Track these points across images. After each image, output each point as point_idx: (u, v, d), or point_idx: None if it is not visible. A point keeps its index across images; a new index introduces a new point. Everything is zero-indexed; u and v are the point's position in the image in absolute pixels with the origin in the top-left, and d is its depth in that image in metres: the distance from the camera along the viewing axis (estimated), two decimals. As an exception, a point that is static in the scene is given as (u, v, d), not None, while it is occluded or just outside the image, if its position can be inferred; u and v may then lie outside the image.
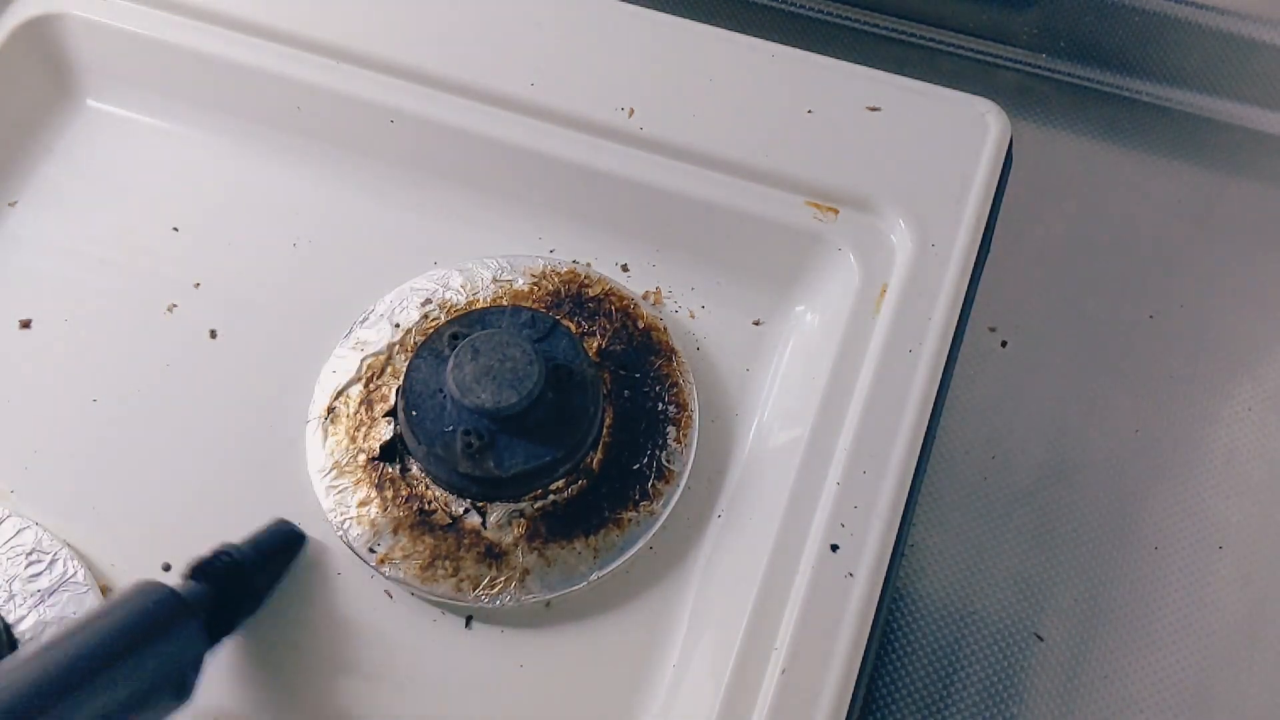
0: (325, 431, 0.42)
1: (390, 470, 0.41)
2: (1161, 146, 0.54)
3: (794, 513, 0.39)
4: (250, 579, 0.38)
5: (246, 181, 0.48)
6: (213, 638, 0.37)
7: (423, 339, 0.43)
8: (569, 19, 0.47)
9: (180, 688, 0.35)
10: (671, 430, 0.42)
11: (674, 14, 0.48)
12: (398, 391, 0.42)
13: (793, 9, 0.57)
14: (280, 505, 0.42)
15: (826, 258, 0.44)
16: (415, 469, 0.41)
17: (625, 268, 0.46)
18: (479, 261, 0.45)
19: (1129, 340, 0.49)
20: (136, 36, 0.48)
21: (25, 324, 0.45)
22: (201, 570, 0.37)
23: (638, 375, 0.43)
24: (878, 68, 0.46)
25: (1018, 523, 0.46)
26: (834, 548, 0.38)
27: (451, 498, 0.41)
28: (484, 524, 0.40)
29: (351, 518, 0.41)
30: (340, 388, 0.43)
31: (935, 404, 0.40)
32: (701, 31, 0.47)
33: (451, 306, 0.44)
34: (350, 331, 0.44)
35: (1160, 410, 0.48)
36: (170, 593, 0.35)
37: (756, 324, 0.45)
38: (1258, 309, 0.50)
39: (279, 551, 0.40)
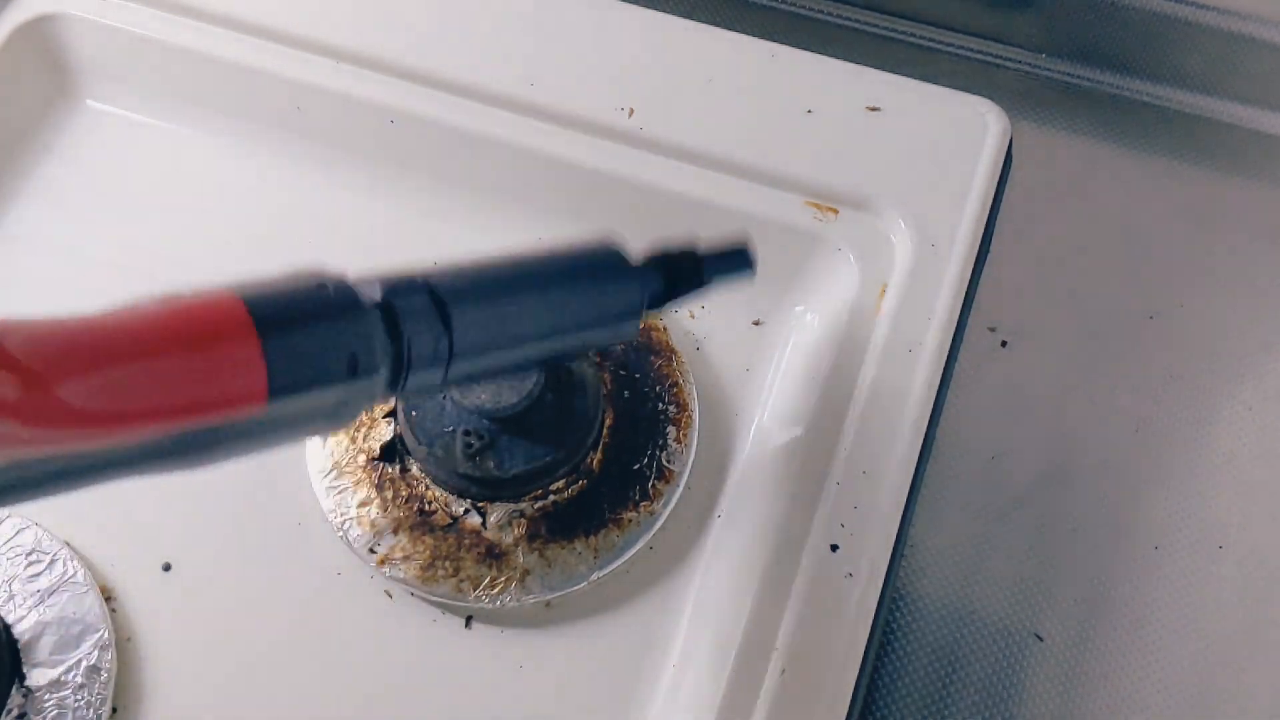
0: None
1: (390, 471, 0.41)
2: (1161, 146, 0.54)
3: (794, 513, 0.39)
4: (699, 282, 0.37)
5: (246, 181, 0.48)
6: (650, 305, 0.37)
7: (423, 339, 0.43)
8: (569, 19, 0.47)
9: (619, 328, 0.36)
10: (671, 430, 0.42)
11: (674, 14, 0.48)
12: (398, 392, 0.42)
13: (793, 9, 0.57)
14: (280, 506, 0.42)
15: (826, 258, 0.44)
16: (415, 469, 0.41)
17: (625, 268, 0.46)
18: (479, 262, 0.45)
19: (1129, 340, 0.49)
20: (136, 36, 0.48)
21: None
22: (660, 260, 0.37)
23: (638, 375, 0.43)
24: (878, 68, 0.46)
25: (1018, 523, 0.46)
26: (834, 548, 0.38)
27: (452, 498, 0.41)
28: (484, 524, 0.40)
29: (351, 518, 0.41)
30: (340, 388, 0.43)
31: (935, 404, 0.40)
32: (701, 31, 0.47)
33: (451, 307, 0.44)
34: (350, 332, 0.44)
35: (1160, 410, 0.48)
36: (622, 256, 0.36)
37: (756, 324, 0.45)
38: (1258, 309, 0.50)
39: (731, 267, 0.38)
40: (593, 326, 0.35)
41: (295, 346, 0.27)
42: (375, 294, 0.30)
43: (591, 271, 0.35)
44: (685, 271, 0.37)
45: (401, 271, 0.31)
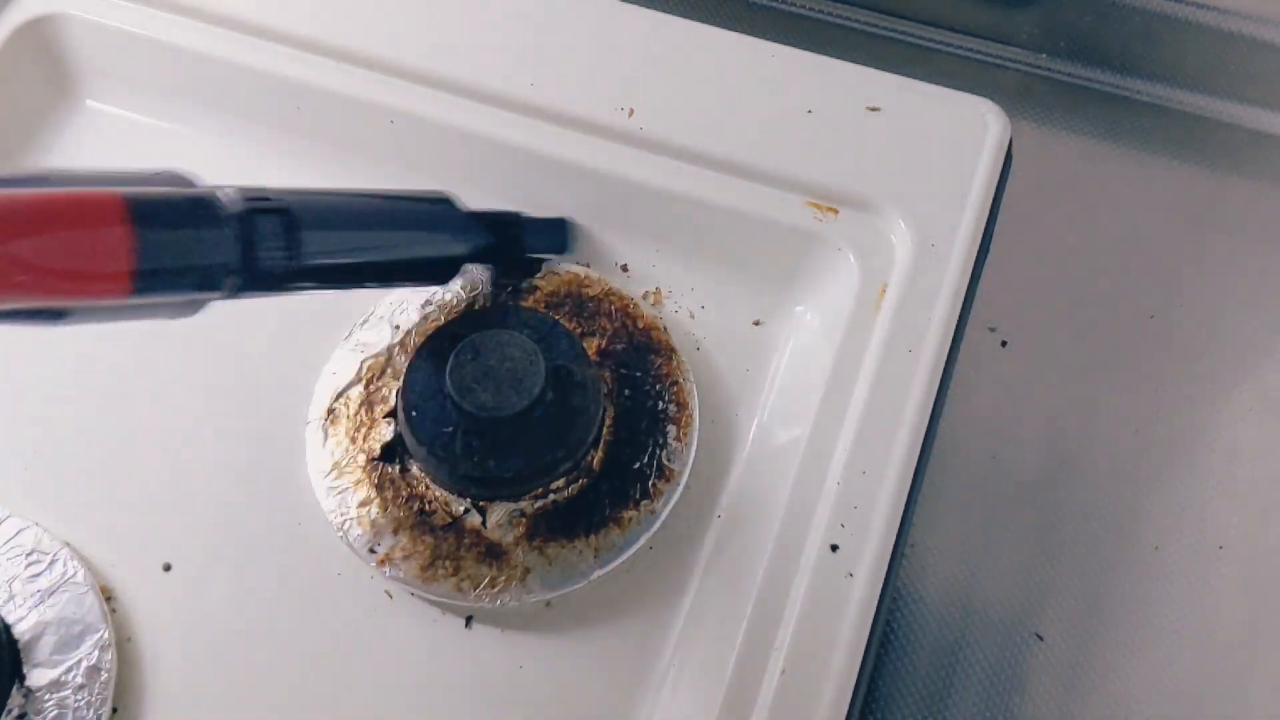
0: (325, 433, 0.42)
1: (390, 471, 0.41)
2: (1161, 146, 0.54)
3: (794, 513, 0.39)
4: (520, 245, 0.44)
5: (246, 182, 0.48)
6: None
7: (423, 340, 0.43)
8: (569, 19, 0.47)
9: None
10: (672, 429, 0.42)
11: (674, 14, 0.48)
12: (398, 392, 0.42)
13: (793, 9, 0.57)
14: (280, 506, 0.42)
15: (826, 258, 0.44)
16: (415, 469, 0.41)
17: (625, 268, 0.46)
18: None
19: (1129, 340, 0.49)
20: (136, 37, 0.48)
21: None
22: (486, 218, 0.43)
23: (638, 375, 0.43)
24: (878, 68, 0.46)
25: (1018, 523, 0.46)
26: (834, 548, 0.38)
27: (452, 498, 0.41)
28: (484, 524, 0.40)
29: (352, 518, 0.41)
30: (340, 389, 0.43)
31: (935, 404, 0.40)
32: (701, 31, 0.47)
33: (451, 307, 0.44)
34: (350, 333, 0.44)
35: (1160, 411, 0.48)
36: (458, 210, 0.42)
37: (756, 324, 0.45)
38: (1258, 309, 0.50)
39: (549, 238, 0.45)
40: (423, 249, 0.41)
41: (161, 245, 0.31)
42: (237, 205, 0.34)
43: (428, 210, 0.42)
44: (507, 230, 0.43)
45: (260, 189, 0.35)
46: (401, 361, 0.43)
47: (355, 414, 0.42)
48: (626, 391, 0.43)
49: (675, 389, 0.43)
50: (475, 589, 0.39)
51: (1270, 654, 0.43)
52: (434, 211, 0.42)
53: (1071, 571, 0.45)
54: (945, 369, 0.41)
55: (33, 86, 0.49)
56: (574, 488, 0.41)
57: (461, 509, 0.41)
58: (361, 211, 0.39)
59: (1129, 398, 0.48)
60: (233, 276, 0.34)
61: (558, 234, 0.45)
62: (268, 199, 0.35)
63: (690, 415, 0.42)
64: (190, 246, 0.32)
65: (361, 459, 0.42)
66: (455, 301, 0.45)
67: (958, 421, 0.47)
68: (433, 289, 0.45)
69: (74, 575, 0.40)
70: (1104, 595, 0.44)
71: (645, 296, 0.45)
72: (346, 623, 0.40)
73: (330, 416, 0.43)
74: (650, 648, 0.40)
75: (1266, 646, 0.43)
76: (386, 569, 0.40)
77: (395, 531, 0.40)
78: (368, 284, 0.42)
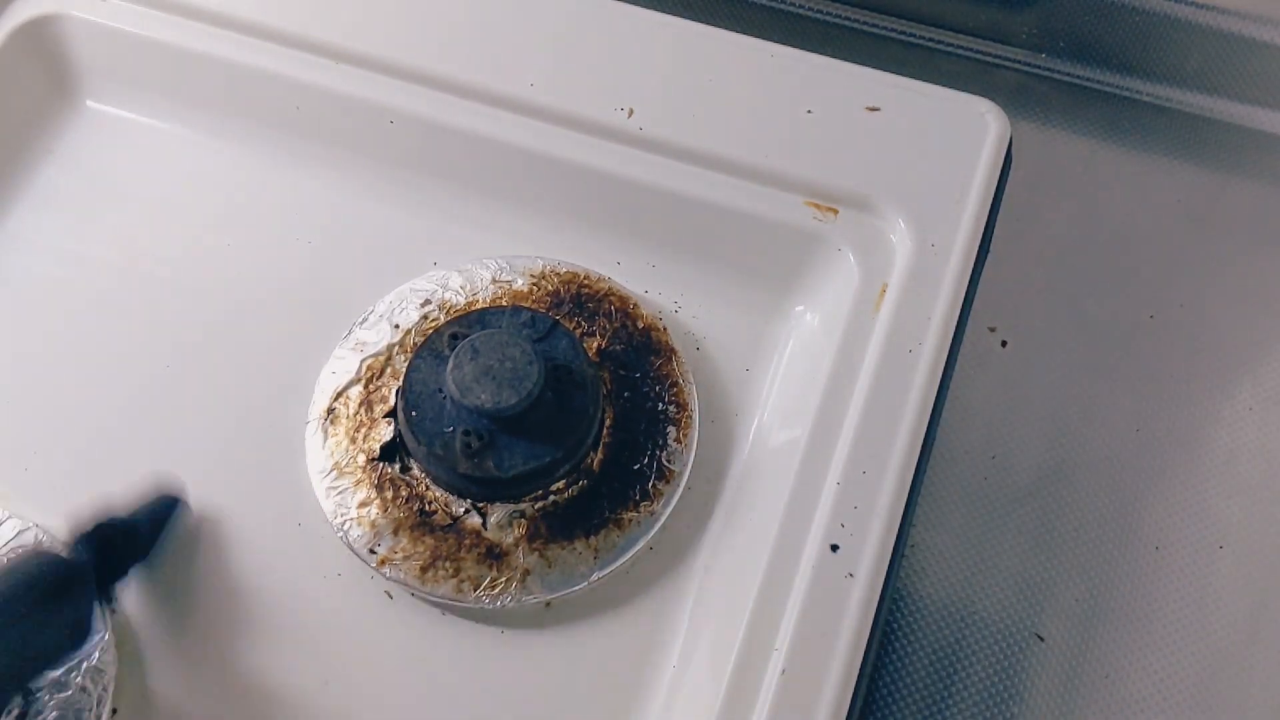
0: (325, 433, 0.42)
1: (390, 471, 0.41)
2: (1161, 146, 0.54)
3: (794, 513, 0.39)
4: (132, 536, 0.39)
5: (246, 182, 0.48)
6: (103, 586, 0.38)
7: (422, 340, 0.43)
8: (569, 19, 0.47)
9: (78, 635, 0.37)
10: (671, 430, 0.42)
11: (674, 14, 0.48)
12: (397, 392, 0.42)
13: (793, 9, 0.57)
14: (280, 506, 0.42)
15: (826, 258, 0.44)
16: (415, 469, 0.41)
17: (624, 268, 0.46)
18: (478, 262, 0.45)
19: (1129, 340, 0.49)
20: (136, 38, 0.48)
21: None
22: (85, 538, 0.38)
23: (638, 375, 0.43)
24: (878, 68, 0.46)
25: (1018, 523, 0.46)
26: (834, 548, 0.38)
27: (452, 498, 0.41)
28: (484, 525, 0.40)
29: (352, 519, 0.41)
30: (340, 389, 0.43)
31: (935, 404, 0.40)
32: (701, 31, 0.47)
33: (451, 307, 0.44)
34: (350, 332, 0.44)
35: (1160, 410, 0.48)
36: (55, 557, 0.37)
37: (757, 324, 0.45)
38: (1258, 309, 0.50)
39: (158, 516, 0.40)
40: (43, 644, 0.36)
41: None
42: None
43: (21, 588, 0.35)
44: (114, 534, 0.38)
45: None
46: (401, 361, 0.43)
47: (355, 414, 0.42)
48: (626, 392, 0.43)
49: (675, 390, 0.43)
50: (475, 590, 0.39)
51: (1270, 653, 0.43)
52: (25, 577, 0.35)
53: (1071, 572, 0.45)
54: (945, 369, 0.41)
55: (33, 86, 0.49)
56: (574, 489, 0.41)
57: (461, 510, 0.41)
58: None
59: (1129, 398, 0.48)
60: None
61: (165, 504, 0.40)
62: None
63: (690, 416, 0.42)
64: None
65: (361, 459, 0.42)
66: (455, 301, 0.45)
67: (958, 421, 0.47)
68: (432, 288, 0.45)
69: (74, 576, 0.40)
70: (1104, 595, 0.44)
71: (645, 296, 0.45)
72: (346, 623, 0.40)
73: (330, 416, 0.43)
74: (650, 648, 0.40)
75: (1267, 646, 0.43)
76: (386, 569, 0.40)
77: (395, 532, 0.40)
78: None
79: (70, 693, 0.38)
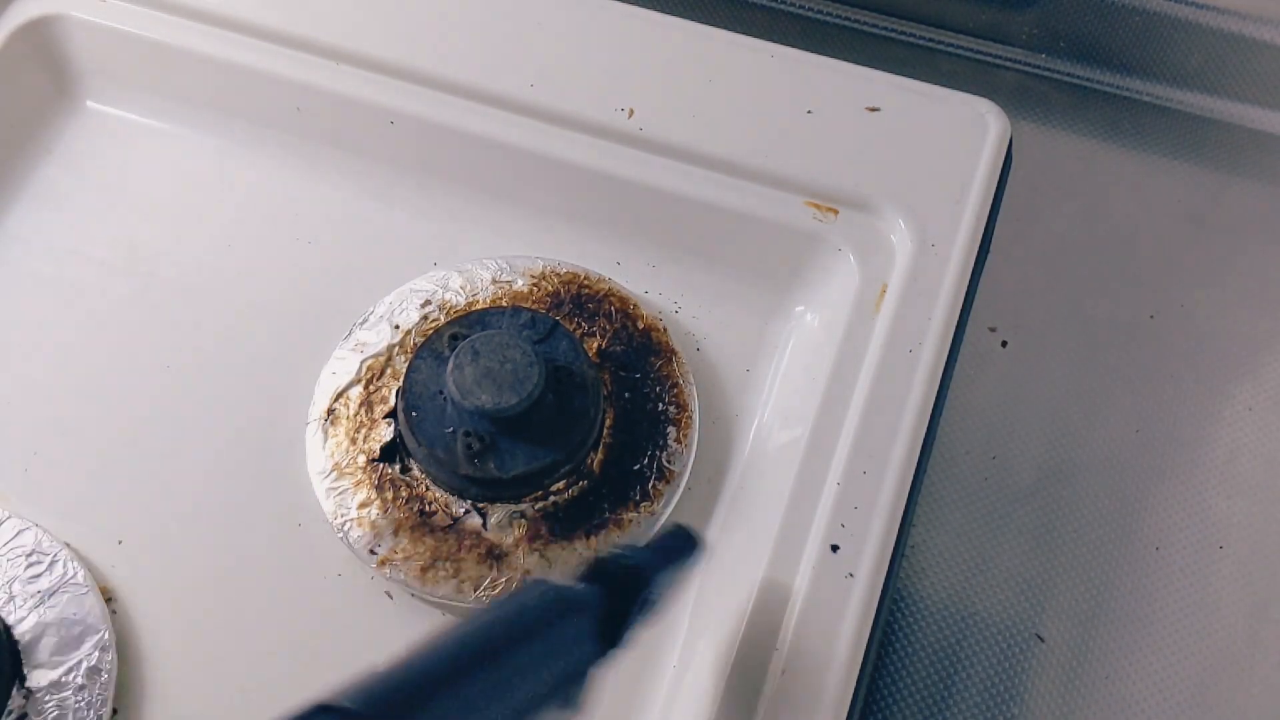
0: (325, 433, 0.42)
1: (391, 471, 0.41)
2: (1161, 146, 0.54)
3: (794, 513, 0.39)
4: (644, 583, 0.33)
5: (246, 183, 0.48)
6: (603, 645, 0.32)
7: (422, 340, 0.43)
8: (569, 19, 0.47)
9: (567, 698, 0.31)
10: (672, 431, 0.42)
11: (674, 14, 0.48)
12: (398, 393, 0.42)
13: (793, 9, 0.57)
14: (280, 507, 0.42)
15: (826, 258, 0.44)
16: (416, 470, 0.41)
17: (624, 268, 0.46)
18: (478, 263, 0.45)
19: (1129, 340, 0.49)
20: (136, 38, 0.48)
21: None
22: (595, 571, 0.33)
23: (638, 376, 0.43)
24: (878, 68, 0.46)
25: (1018, 523, 0.46)
26: (834, 548, 0.38)
27: (452, 499, 0.41)
28: (485, 525, 0.40)
29: (352, 519, 0.41)
30: (340, 389, 0.43)
31: (935, 404, 0.40)
32: (701, 31, 0.47)
33: (451, 308, 0.44)
34: (350, 333, 0.44)
35: (1160, 410, 0.48)
36: (555, 588, 0.31)
37: (757, 324, 0.45)
38: (1258, 309, 0.50)
39: (674, 555, 0.35)
40: (552, 688, 0.30)
41: None
42: None
43: (531, 624, 0.30)
44: (621, 576, 0.32)
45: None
46: (401, 362, 0.43)
47: (355, 414, 0.42)
48: (626, 393, 0.43)
49: (675, 390, 0.43)
50: (475, 590, 0.39)
51: (1270, 654, 0.43)
52: (533, 612, 0.31)
53: (1071, 572, 0.45)
54: (945, 369, 0.41)
55: (33, 87, 0.49)
56: (574, 489, 0.41)
57: (462, 510, 0.41)
58: (450, 669, 0.29)
59: (1129, 397, 0.48)
60: None
61: (682, 543, 0.35)
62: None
63: (690, 416, 0.42)
64: None
65: (361, 460, 0.42)
66: (455, 302, 0.45)
67: (958, 422, 0.47)
68: (432, 289, 0.45)
69: (74, 576, 0.40)
70: (1104, 595, 0.44)
71: (645, 297, 0.45)
72: (346, 623, 0.40)
73: (330, 417, 0.43)
74: (650, 649, 0.40)
75: (1267, 646, 0.43)
76: (387, 570, 0.40)
77: (395, 533, 0.40)
78: None
79: (69, 693, 0.38)
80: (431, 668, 0.28)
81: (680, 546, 0.35)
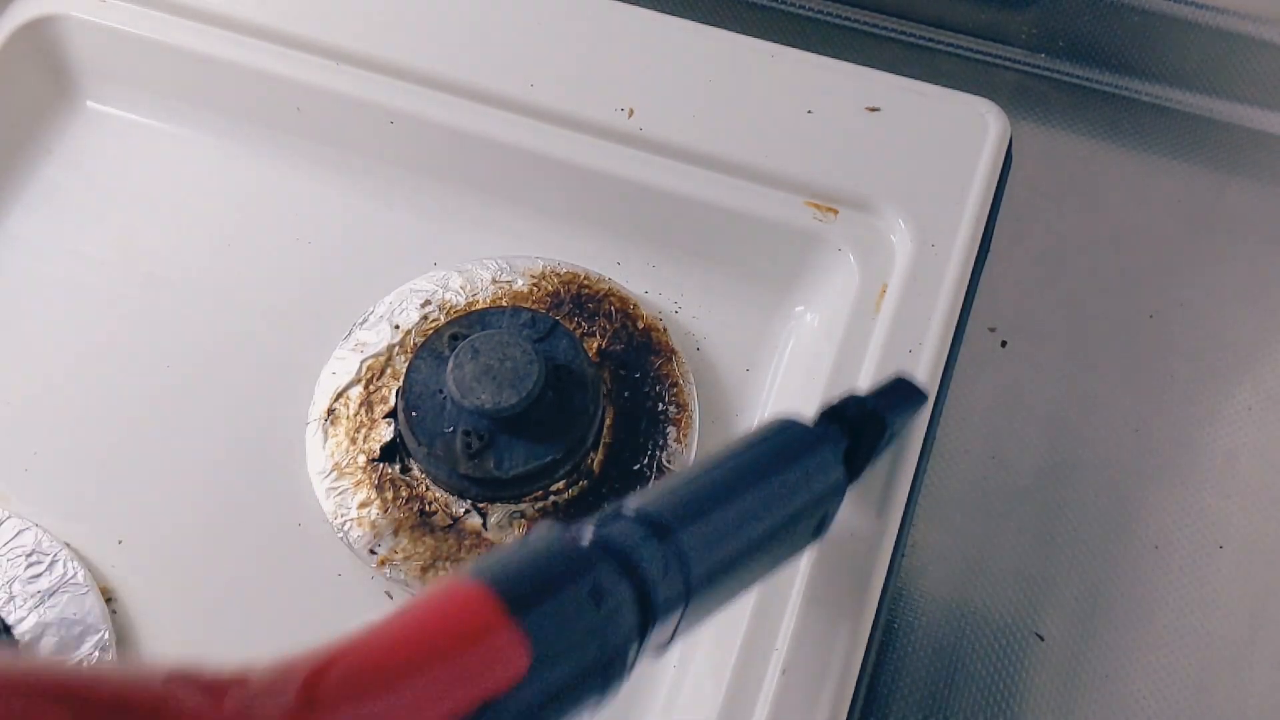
0: (325, 433, 0.42)
1: (390, 471, 0.41)
2: (1161, 146, 0.54)
3: (794, 513, 0.39)
4: (882, 422, 0.36)
5: (246, 183, 0.48)
6: (850, 474, 0.35)
7: (422, 340, 0.43)
8: (569, 19, 0.47)
9: (820, 524, 0.34)
10: (672, 430, 0.42)
11: (674, 14, 0.48)
12: (397, 392, 0.42)
13: (793, 9, 0.57)
14: (280, 507, 0.42)
15: (826, 258, 0.44)
16: (416, 470, 0.41)
17: (624, 268, 0.46)
18: (478, 262, 0.45)
19: (1129, 340, 0.49)
20: (136, 38, 0.48)
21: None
22: (833, 414, 0.36)
23: (638, 375, 0.43)
24: (878, 68, 0.46)
25: (1018, 522, 0.46)
26: (834, 548, 0.38)
27: (452, 499, 0.41)
28: (485, 525, 0.40)
29: (352, 519, 0.41)
30: (340, 389, 0.43)
31: (935, 404, 0.40)
32: (701, 31, 0.47)
33: (451, 307, 0.44)
34: (350, 333, 0.44)
35: (1160, 410, 0.48)
36: (804, 427, 0.34)
37: (757, 324, 0.45)
38: (1258, 309, 0.50)
39: (903, 401, 0.38)
40: (806, 514, 0.33)
41: (548, 617, 0.26)
42: (587, 536, 0.28)
43: (785, 456, 0.33)
44: (864, 422, 0.35)
45: (610, 510, 0.30)
46: (401, 361, 0.43)
47: (355, 414, 0.42)
48: (626, 392, 0.43)
49: (675, 390, 0.43)
50: (475, 589, 0.39)
51: (1270, 653, 0.43)
52: (786, 446, 0.34)
53: (1071, 571, 0.45)
54: (945, 369, 0.41)
55: (33, 87, 0.49)
56: (574, 489, 0.41)
57: (462, 510, 0.41)
58: (722, 486, 0.32)
59: (1129, 397, 0.48)
60: (630, 616, 0.27)
61: (908, 393, 0.38)
62: (638, 518, 0.29)
63: (690, 416, 0.42)
64: (573, 602, 0.26)
65: (361, 459, 0.42)
66: (455, 302, 0.45)
67: (958, 422, 0.47)
68: (432, 288, 0.45)
69: (74, 576, 0.40)
70: (1104, 595, 0.44)
71: (645, 296, 0.45)
72: (346, 624, 0.40)
73: (330, 417, 0.43)
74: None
75: (1267, 646, 0.43)
76: (387, 570, 0.40)
77: (395, 533, 0.40)
78: (764, 567, 0.33)
79: (70, 693, 0.38)
80: (718, 479, 0.32)
81: (906, 393, 0.38)
